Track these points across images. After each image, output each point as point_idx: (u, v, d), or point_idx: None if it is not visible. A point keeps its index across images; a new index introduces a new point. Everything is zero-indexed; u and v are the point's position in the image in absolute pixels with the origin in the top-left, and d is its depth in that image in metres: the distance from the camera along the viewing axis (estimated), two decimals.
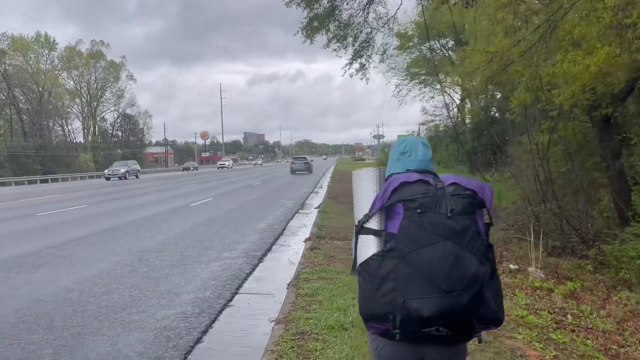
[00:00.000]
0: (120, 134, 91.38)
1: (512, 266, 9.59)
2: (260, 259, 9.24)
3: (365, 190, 2.30)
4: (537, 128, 18.61)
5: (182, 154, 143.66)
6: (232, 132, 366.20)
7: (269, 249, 10.21)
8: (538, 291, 7.60)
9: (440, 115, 41.57)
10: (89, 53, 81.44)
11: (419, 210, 2.09)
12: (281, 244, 10.97)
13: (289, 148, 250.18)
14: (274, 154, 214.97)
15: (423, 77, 41.71)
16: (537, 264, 8.67)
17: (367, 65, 21.45)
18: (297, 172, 49.40)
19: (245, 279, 7.78)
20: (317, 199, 21.72)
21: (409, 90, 42.77)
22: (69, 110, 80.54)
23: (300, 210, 17.18)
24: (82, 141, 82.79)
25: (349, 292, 6.43)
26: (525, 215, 13.00)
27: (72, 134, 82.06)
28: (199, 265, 8.71)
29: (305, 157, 57.12)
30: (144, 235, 11.88)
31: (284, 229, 13.08)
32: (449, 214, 2.07)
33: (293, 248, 10.41)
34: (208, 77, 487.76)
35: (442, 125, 41.75)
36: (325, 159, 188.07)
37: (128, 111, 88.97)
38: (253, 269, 8.42)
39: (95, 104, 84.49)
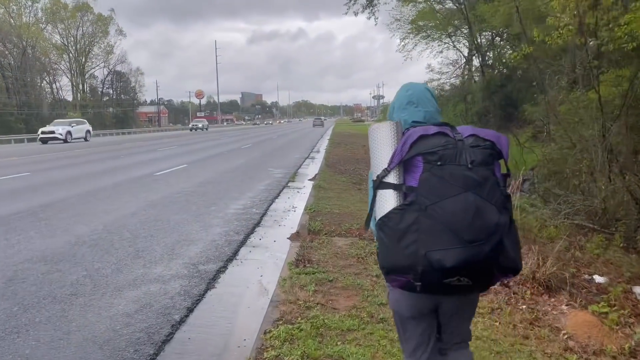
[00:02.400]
0: (111, 92, 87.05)
1: (598, 278, 6.10)
2: (212, 281, 5.54)
3: (383, 145, 2.12)
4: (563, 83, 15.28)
5: (178, 113, 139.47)
6: (229, 92, 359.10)
7: (232, 256, 6.50)
8: None
9: (447, 72, 37.70)
10: (75, 6, 76.78)
11: (439, 163, 1.99)
12: (254, 243, 7.26)
13: (287, 108, 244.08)
14: (272, 114, 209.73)
15: (430, 30, 37.36)
16: None
17: (375, 1, 17.49)
18: (316, 125, 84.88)
19: (167, 340, 4.08)
20: (313, 167, 17.90)
21: (415, 45, 38.35)
22: (56, 66, 76.66)
23: (290, 184, 13.41)
24: (71, 99, 78.72)
25: None
26: (591, 197, 9.48)
27: (61, 92, 78.16)
28: (102, 296, 5.02)
29: (321, 118, 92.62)
30: (57, 225, 8.16)
31: (265, 213, 9.38)
32: (470, 165, 1.98)
33: (272, 253, 6.71)
34: (207, 35, 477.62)
35: (448, 83, 37.90)
36: (324, 119, 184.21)
37: (119, 68, 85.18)
38: (191, 309, 4.72)
39: (84, 60, 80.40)
